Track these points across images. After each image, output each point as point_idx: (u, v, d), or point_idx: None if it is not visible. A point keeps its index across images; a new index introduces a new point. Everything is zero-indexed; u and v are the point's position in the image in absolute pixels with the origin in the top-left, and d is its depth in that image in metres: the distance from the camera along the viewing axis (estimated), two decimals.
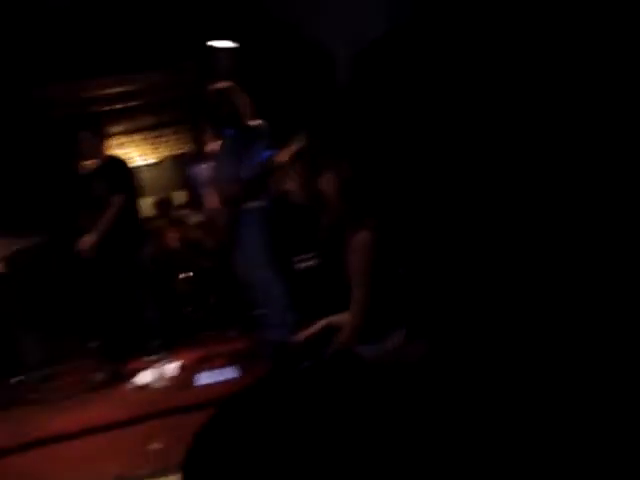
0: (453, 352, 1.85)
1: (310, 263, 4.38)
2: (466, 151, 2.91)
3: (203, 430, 1.54)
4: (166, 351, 4.34)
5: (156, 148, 7.58)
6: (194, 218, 5.31)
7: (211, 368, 3.89)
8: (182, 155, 7.26)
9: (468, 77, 2.77)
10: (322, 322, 2.42)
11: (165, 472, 3.12)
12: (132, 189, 4.41)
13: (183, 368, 4.07)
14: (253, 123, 3.84)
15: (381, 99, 3.52)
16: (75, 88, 6.40)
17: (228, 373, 3.67)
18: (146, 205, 6.91)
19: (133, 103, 7.18)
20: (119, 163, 4.41)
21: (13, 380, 4.25)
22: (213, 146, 4.25)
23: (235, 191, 3.75)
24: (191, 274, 5.65)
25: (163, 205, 6.24)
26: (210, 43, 5.64)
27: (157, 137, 7.58)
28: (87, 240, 4.09)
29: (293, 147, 3.65)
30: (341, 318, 2.34)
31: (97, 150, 4.35)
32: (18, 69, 5.32)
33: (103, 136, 4.47)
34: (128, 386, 3.92)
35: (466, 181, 2.93)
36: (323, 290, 3.87)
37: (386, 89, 3.45)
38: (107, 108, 7.05)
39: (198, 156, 5.26)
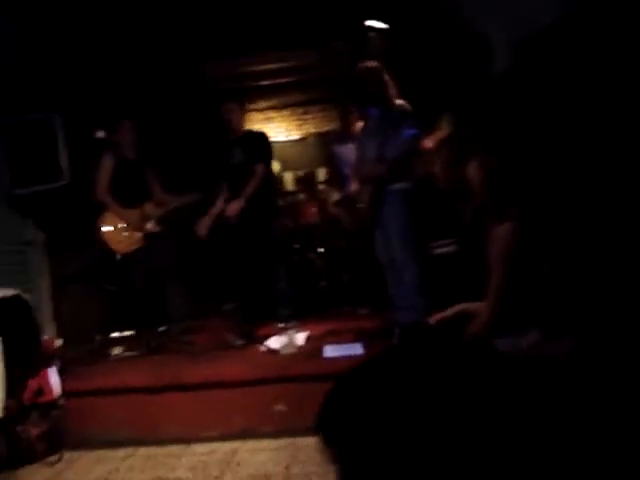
0: (603, 351, 1.73)
1: (448, 249, 4.29)
2: (622, 151, 2.69)
3: (335, 393, 1.59)
4: (297, 321, 4.48)
5: (302, 124, 7.80)
6: (335, 195, 5.41)
7: (339, 342, 3.98)
8: (327, 133, 7.41)
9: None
10: (457, 307, 2.39)
11: (287, 433, 3.30)
12: (270, 162, 4.59)
13: (312, 339, 4.20)
14: (398, 103, 3.83)
15: (544, 91, 3.32)
16: (232, 64, 6.75)
17: (355, 349, 3.73)
18: (289, 179, 7.20)
19: (284, 80, 7.43)
20: (262, 136, 4.60)
21: (160, 329, 4.64)
22: (358, 125, 4.29)
23: (379, 171, 3.77)
24: (326, 250, 5.79)
25: (305, 181, 6.41)
26: (364, 23, 5.63)
27: (304, 114, 7.79)
28: (235, 205, 4.31)
29: (440, 133, 3.58)
30: (477, 306, 2.29)
31: (241, 121, 4.58)
32: (182, 47, 5.68)
33: (247, 108, 4.67)
34: (259, 349, 4.11)
35: (617, 179, 2.71)
36: (459, 277, 3.80)
37: (550, 81, 3.25)
38: (259, 83, 7.38)
39: (343, 135, 5.32)
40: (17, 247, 4.70)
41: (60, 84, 4.85)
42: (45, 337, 3.81)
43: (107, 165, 4.49)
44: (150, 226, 4.51)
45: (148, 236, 4.51)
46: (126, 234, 4.49)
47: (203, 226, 4.42)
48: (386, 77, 3.87)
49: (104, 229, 4.47)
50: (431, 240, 4.39)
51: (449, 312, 2.37)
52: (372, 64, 3.95)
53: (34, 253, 4.80)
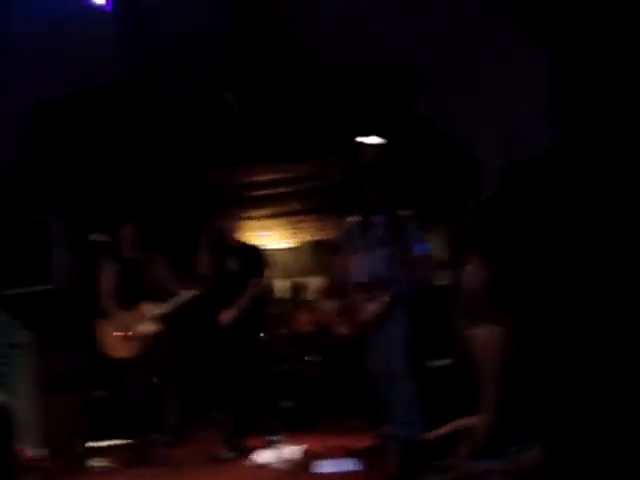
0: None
1: (445, 362, 4.23)
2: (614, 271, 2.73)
3: None
4: (287, 434, 4.33)
5: (297, 232, 7.95)
6: (329, 305, 5.39)
7: (332, 457, 3.81)
8: (321, 242, 7.55)
9: None
10: (454, 424, 2.36)
11: None
12: (264, 276, 4.70)
13: (304, 453, 4.03)
14: (403, 212, 3.84)
15: (537, 214, 3.40)
16: (229, 174, 7.00)
17: (349, 465, 3.58)
18: (282, 287, 7.22)
19: (280, 190, 7.67)
20: (257, 251, 4.81)
21: (148, 437, 4.44)
22: (357, 228, 4.29)
23: (385, 308, 3.72)
24: (319, 359, 5.70)
25: (298, 289, 6.44)
26: (358, 139, 5.91)
27: (299, 222, 7.96)
28: (229, 314, 4.30)
29: None
30: (473, 421, 2.24)
31: (237, 230, 4.73)
32: (182, 155, 5.92)
33: (243, 216, 4.83)
34: (249, 462, 3.94)
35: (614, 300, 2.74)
36: (456, 391, 3.72)
37: (541, 207, 3.34)
38: (256, 193, 7.60)
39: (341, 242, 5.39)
40: (3, 350, 4.58)
41: (60, 188, 4.98)
42: (24, 447, 3.62)
43: (108, 273, 4.55)
44: (149, 326, 4.45)
45: (146, 339, 4.43)
46: (122, 339, 4.43)
47: (229, 315, 4.35)
48: (387, 184, 3.95)
49: (101, 335, 4.45)
50: (428, 353, 4.35)
51: (448, 428, 2.33)
52: (376, 171, 4.06)
53: (20, 356, 4.67)
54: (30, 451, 3.61)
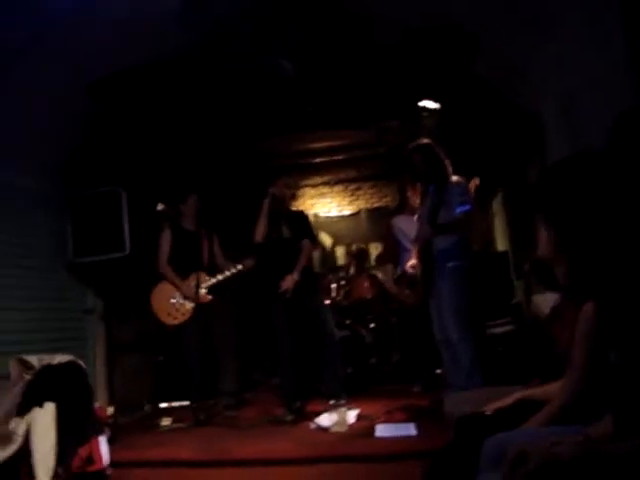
0: None
1: (505, 329, 4.18)
2: None
3: None
4: (348, 397, 4.39)
5: (354, 200, 7.94)
6: (389, 271, 5.39)
7: (391, 421, 3.85)
8: (379, 208, 7.51)
9: None
10: (516, 395, 2.25)
11: None
12: (314, 238, 4.85)
13: (363, 417, 4.08)
14: (454, 179, 3.90)
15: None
16: (286, 142, 7.01)
17: (407, 429, 3.59)
18: (340, 254, 7.26)
19: (337, 157, 7.65)
20: (303, 215, 4.93)
21: (210, 401, 4.62)
22: (416, 201, 4.32)
23: (428, 232, 3.85)
24: (378, 326, 5.72)
25: (359, 255, 6.43)
26: (417, 103, 5.78)
27: (356, 190, 7.94)
28: (291, 279, 4.37)
29: None
30: (538, 393, 2.17)
31: (290, 199, 4.82)
32: (239, 125, 5.95)
33: (300, 184, 4.88)
34: (308, 426, 4.01)
35: None
36: (517, 358, 3.67)
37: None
38: (313, 161, 7.61)
39: (402, 209, 5.37)
40: (77, 314, 4.84)
41: (125, 160, 5.14)
42: (97, 405, 3.84)
43: (166, 238, 4.72)
44: (203, 295, 4.59)
45: (201, 307, 4.57)
46: (176, 306, 4.60)
47: (289, 281, 4.41)
48: (439, 153, 3.95)
49: (154, 301, 4.62)
50: (486, 319, 4.29)
51: (508, 400, 2.24)
52: (424, 141, 4.05)
53: (92, 321, 4.92)
54: (101, 409, 3.81)
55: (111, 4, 3.70)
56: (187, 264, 4.63)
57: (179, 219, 4.83)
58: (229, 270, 4.64)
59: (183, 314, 4.57)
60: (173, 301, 4.61)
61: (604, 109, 3.39)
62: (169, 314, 4.60)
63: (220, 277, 4.64)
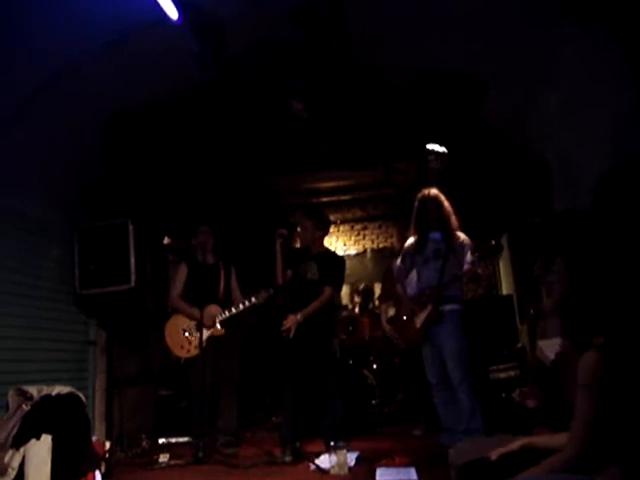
0: None
1: (509, 374, 4.14)
2: None
3: None
4: (348, 438, 4.31)
5: (360, 239, 7.97)
6: (390, 312, 5.37)
7: (391, 465, 3.77)
8: (384, 249, 7.53)
9: None
10: (521, 441, 2.20)
11: None
12: (340, 287, 4.67)
13: (363, 460, 4.01)
14: (460, 235, 4.03)
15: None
16: (297, 180, 7.10)
17: (408, 474, 3.52)
18: (345, 293, 7.24)
19: (345, 196, 7.73)
20: (340, 260, 4.68)
21: (209, 438, 4.55)
22: (414, 245, 4.32)
23: (436, 296, 3.87)
24: (380, 367, 5.67)
25: (362, 295, 6.42)
26: (425, 146, 5.85)
27: (362, 229, 7.98)
28: (293, 319, 4.34)
29: None
30: (544, 440, 2.12)
31: (317, 236, 4.60)
32: (250, 162, 6.03)
33: (324, 225, 4.76)
34: (307, 467, 3.94)
35: None
36: (521, 405, 3.63)
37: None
38: (320, 199, 7.68)
39: (400, 252, 5.37)
40: (79, 345, 4.83)
41: (136, 194, 5.20)
42: (94, 438, 3.79)
43: (181, 273, 4.76)
44: (216, 327, 4.59)
45: (210, 340, 4.55)
46: (189, 339, 4.59)
47: (291, 321, 4.35)
48: (447, 204, 4.03)
49: (167, 335, 4.62)
50: (489, 363, 4.26)
51: (513, 446, 2.18)
52: (435, 192, 4.11)
53: (94, 353, 4.91)
54: (98, 442, 3.76)
55: (128, 45, 3.82)
56: (202, 297, 4.62)
57: (194, 253, 4.85)
58: (243, 304, 4.63)
59: (196, 347, 4.54)
60: (186, 334, 4.61)
61: (606, 159, 3.44)
62: (182, 347, 4.60)
63: (234, 310, 4.63)
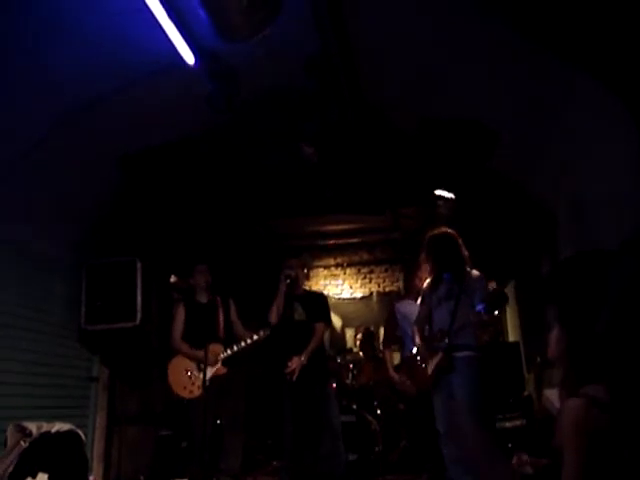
0: None
1: (516, 423, 4.06)
2: None
3: None
4: None
5: (366, 283, 7.95)
6: (395, 359, 5.32)
7: None
8: (390, 292, 7.50)
9: None
10: None
11: None
12: (329, 322, 4.79)
13: None
14: (473, 272, 3.91)
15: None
16: (303, 223, 7.14)
17: None
18: (350, 336, 7.19)
19: (352, 240, 7.76)
20: (322, 297, 4.86)
21: (210, 477, 4.46)
22: (430, 284, 4.29)
23: (444, 338, 3.77)
24: (384, 412, 5.57)
25: (367, 339, 6.36)
26: (433, 192, 5.89)
27: (369, 272, 7.98)
28: (298, 360, 4.33)
29: None
30: None
31: (303, 279, 4.81)
32: (255, 204, 6.10)
33: (313, 265, 4.89)
34: None
35: None
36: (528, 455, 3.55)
37: None
38: (326, 242, 7.72)
39: (407, 294, 5.36)
40: (81, 382, 4.80)
41: (143, 232, 5.26)
42: (91, 477, 3.73)
43: (179, 314, 4.75)
44: (219, 367, 4.56)
45: (212, 380, 4.51)
46: (192, 379, 4.55)
47: (296, 363, 4.36)
48: (461, 243, 3.98)
49: (170, 375, 4.58)
50: (496, 411, 4.18)
51: None
52: (449, 230, 4.08)
53: (96, 390, 4.87)
54: None
55: (143, 88, 3.93)
56: (202, 337, 4.56)
57: (193, 293, 4.87)
58: (245, 341, 4.61)
59: (199, 387, 4.48)
60: (189, 374, 4.57)
61: (613, 209, 3.45)
62: (185, 387, 4.55)
63: (236, 348, 4.61)
